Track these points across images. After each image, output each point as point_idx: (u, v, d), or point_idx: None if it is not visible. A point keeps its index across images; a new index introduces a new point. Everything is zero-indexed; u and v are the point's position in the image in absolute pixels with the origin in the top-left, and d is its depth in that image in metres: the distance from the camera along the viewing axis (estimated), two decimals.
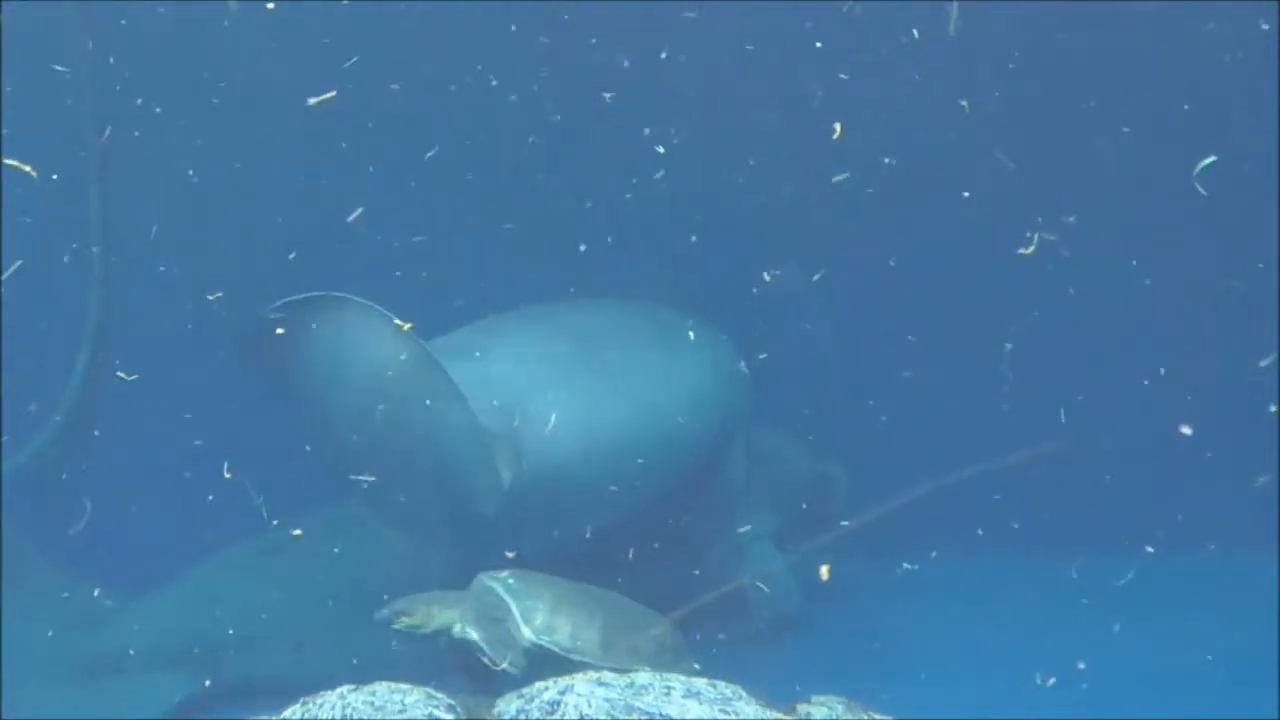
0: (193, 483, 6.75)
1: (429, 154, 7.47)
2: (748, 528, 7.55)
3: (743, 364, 7.50)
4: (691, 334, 7.25)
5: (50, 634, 6.74)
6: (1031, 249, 6.61)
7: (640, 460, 6.44)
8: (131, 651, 6.67)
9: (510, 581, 5.10)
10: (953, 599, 8.06)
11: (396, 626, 5.04)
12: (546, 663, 4.88)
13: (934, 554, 8.04)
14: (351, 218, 6.59)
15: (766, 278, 8.09)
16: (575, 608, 5.00)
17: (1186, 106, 8.10)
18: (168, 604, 6.92)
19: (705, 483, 7.35)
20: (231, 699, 6.41)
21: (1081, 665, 6.75)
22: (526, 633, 4.93)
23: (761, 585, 7.51)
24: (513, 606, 5.00)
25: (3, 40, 7.53)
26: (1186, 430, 6.46)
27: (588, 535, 6.33)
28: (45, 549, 7.18)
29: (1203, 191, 6.90)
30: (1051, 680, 6.33)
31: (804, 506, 7.93)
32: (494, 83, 8.45)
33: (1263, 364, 6.57)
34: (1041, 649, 7.12)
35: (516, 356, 6.46)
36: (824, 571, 6.47)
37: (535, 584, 5.13)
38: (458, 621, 5.00)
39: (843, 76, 7.96)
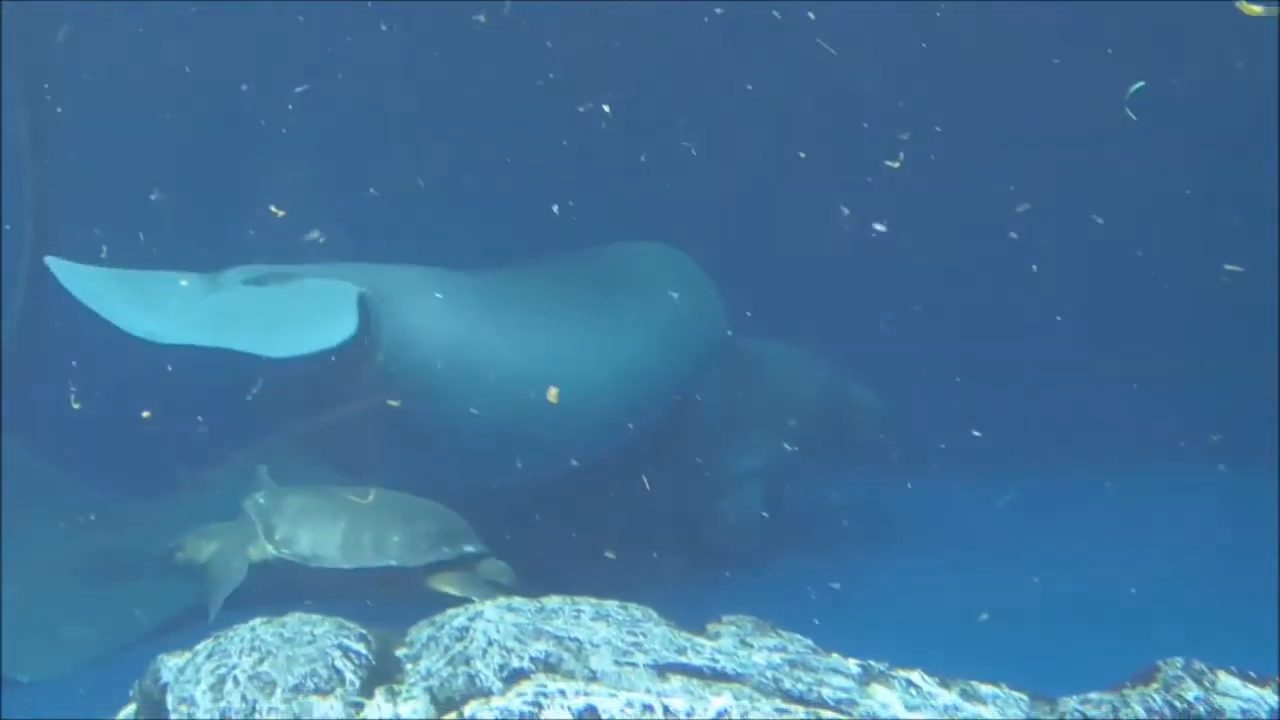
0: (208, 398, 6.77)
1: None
2: (735, 463, 7.52)
3: (717, 303, 7.50)
4: (652, 286, 7.21)
5: (63, 536, 6.80)
6: (898, 164, 6.66)
7: (552, 406, 6.36)
8: (146, 556, 6.72)
9: (260, 500, 5.22)
10: (902, 527, 8.10)
11: (176, 563, 5.14)
12: (301, 575, 5.02)
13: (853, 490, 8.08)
14: None
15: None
16: (319, 515, 5.12)
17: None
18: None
19: (676, 424, 7.34)
20: (251, 608, 6.45)
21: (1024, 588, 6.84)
22: (269, 548, 5.02)
23: (726, 523, 7.51)
24: (257, 525, 5.11)
25: (2, 40, 7.55)
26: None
27: (518, 466, 6.35)
28: (55, 457, 7.26)
29: (1133, 117, 6.95)
30: (985, 616, 6.38)
31: (825, 432, 7.78)
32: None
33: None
34: (992, 578, 7.19)
35: (416, 271, 6.41)
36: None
37: (284, 498, 5.24)
38: (217, 552, 5.10)
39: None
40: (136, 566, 6.78)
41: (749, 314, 7.89)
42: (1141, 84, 6.84)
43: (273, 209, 6.39)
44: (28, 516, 7.00)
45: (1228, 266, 7.19)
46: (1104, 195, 8.67)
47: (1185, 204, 8.60)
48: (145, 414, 6.33)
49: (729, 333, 7.64)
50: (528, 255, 7.38)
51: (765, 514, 7.61)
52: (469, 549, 5.27)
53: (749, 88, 8.58)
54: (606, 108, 7.76)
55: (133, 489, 7.59)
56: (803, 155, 7.64)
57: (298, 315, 5.70)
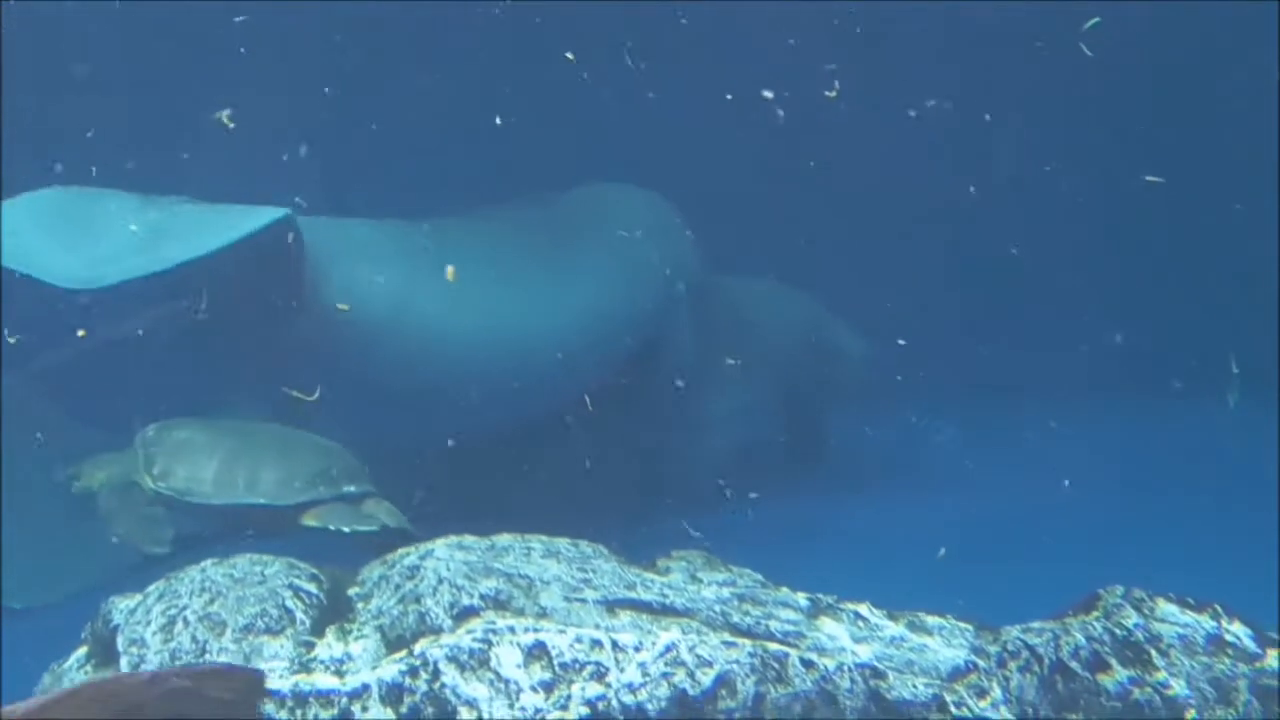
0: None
1: None
2: (705, 404, 7.37)
3: (687, 244, 7.34)
4: (612, 228, 7.05)
5: (59, 471, 6.79)
6: (833, 93, 6.67)
7: (503, 354, 6.35)
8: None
9: (149, 432, 5.21)
10: (863, 466, 8.06)
11: (75, 490, 5.16)
12: (182, 510, 5.10)
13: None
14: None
15: None
16: (198, 449, 5.13)
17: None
18: None
19: (643, 365, 7.22)
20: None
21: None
22: (147, 481, 5.06)
23: (692, 463, 7.44)
24: (139, 456, 5.13)
25: (3, 40, 7.44)
26: None
27: (471, 412, 6.31)
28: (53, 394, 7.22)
29: (1088, 52, 6.95)
30: (942, 552, 6.37)
31: (802, 375, 7.60)
32: None
33: None
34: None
35: (367, 222, 6.40)
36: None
37: (172, 430, 5.22)
38: (105, 480, 5.12)
39: None
40: None
41: (731, 251, 7.81)
42: (1097, 20, 6.85)
43: (223, 118, 6.30)
44: (25, 452, 6.99)
45: (1149, 178, 7.18)
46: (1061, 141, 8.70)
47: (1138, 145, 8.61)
48: (80, 333, 6.29)
49: (701, 273, 7.51)
50: (497, 199, 7.32)
51: (733, 456, 7.57)
52: (349, 488, 5.17)
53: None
54: (570, 55, 7.65)
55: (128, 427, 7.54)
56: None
57: (224, 222, 5.63)
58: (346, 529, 4.92)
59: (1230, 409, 7.12)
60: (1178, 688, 3.59)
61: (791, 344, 7.66)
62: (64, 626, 4.40)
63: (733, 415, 7.56)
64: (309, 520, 5.10)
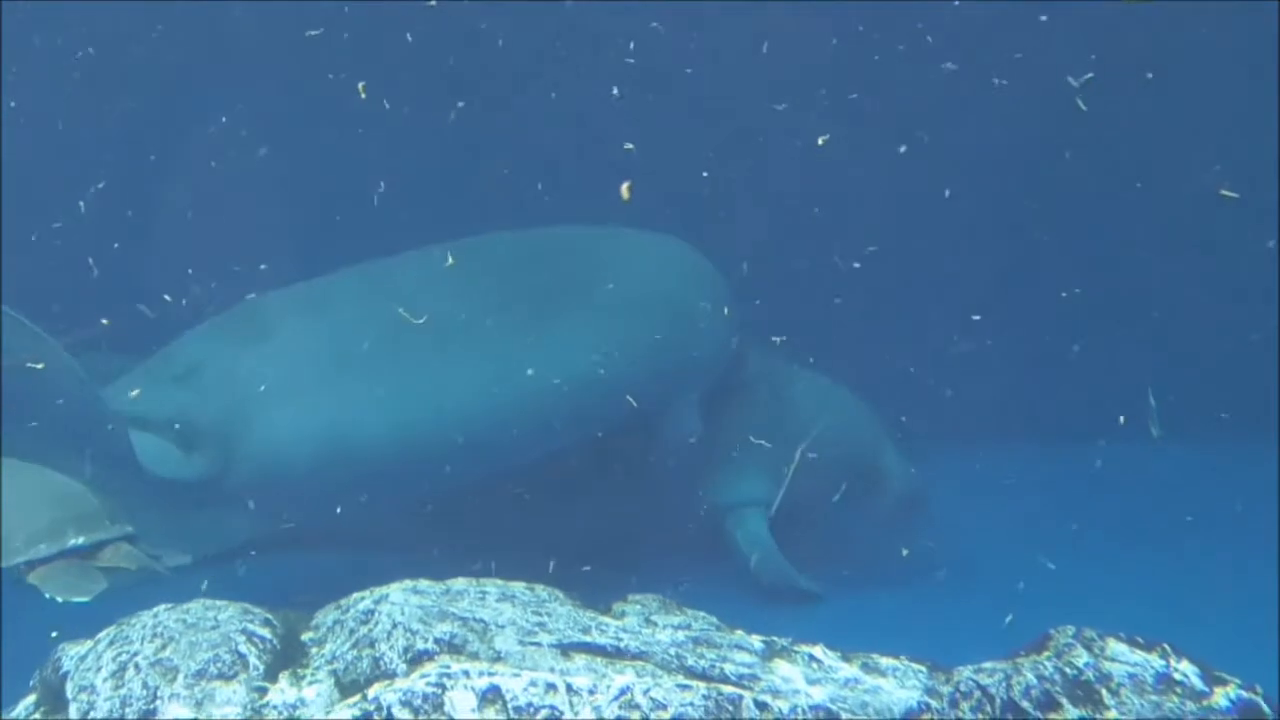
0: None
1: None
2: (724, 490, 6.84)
3: (716, 309, 6.69)
4: (606, 284, 6.32)
5: None
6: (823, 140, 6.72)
7: (441, 466, 6.02)
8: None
9: None
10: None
11: None
12: None
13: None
14: None
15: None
16: None
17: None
18: None
19: (638, 457, 6.73)
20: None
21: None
22: None
23: (752, 565, 6.73)
24: None
25: (3, 40, 7.45)
26: None
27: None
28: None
29: (1083, 107, 6.95)
30: (1010, 618, 6.01)
31: (831, 484, 6.90)
32: None
33: None
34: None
35: (286, 338, 6.03)
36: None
37: None
38: None
39: None
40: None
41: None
42: (1090, 75, 6.86)
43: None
44: None
45: (1224, 192, 7.01)
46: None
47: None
48: (104, 321, 6.21)
49: (734, 343, 6.87)
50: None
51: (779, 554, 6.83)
52: (77, 540, 4.53)
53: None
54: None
55: None
56: None
57: None
58: (60, 599, 4.40)
59: (1155, 439, 6.96)
60: None
61: (832, 457, 6.94)
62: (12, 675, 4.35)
63: (758, 502, 6.90)
64: (33, 581, 4.52)
